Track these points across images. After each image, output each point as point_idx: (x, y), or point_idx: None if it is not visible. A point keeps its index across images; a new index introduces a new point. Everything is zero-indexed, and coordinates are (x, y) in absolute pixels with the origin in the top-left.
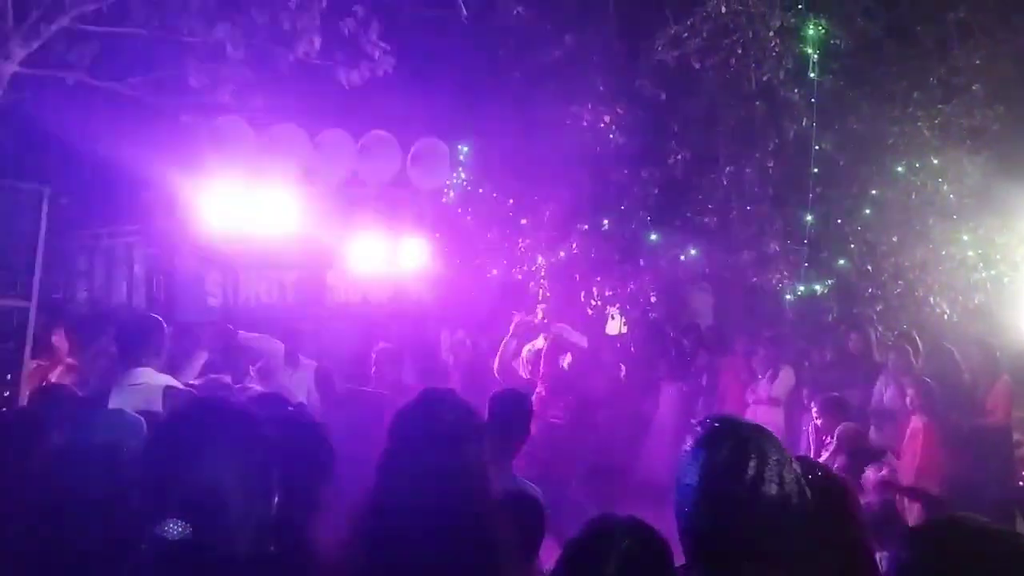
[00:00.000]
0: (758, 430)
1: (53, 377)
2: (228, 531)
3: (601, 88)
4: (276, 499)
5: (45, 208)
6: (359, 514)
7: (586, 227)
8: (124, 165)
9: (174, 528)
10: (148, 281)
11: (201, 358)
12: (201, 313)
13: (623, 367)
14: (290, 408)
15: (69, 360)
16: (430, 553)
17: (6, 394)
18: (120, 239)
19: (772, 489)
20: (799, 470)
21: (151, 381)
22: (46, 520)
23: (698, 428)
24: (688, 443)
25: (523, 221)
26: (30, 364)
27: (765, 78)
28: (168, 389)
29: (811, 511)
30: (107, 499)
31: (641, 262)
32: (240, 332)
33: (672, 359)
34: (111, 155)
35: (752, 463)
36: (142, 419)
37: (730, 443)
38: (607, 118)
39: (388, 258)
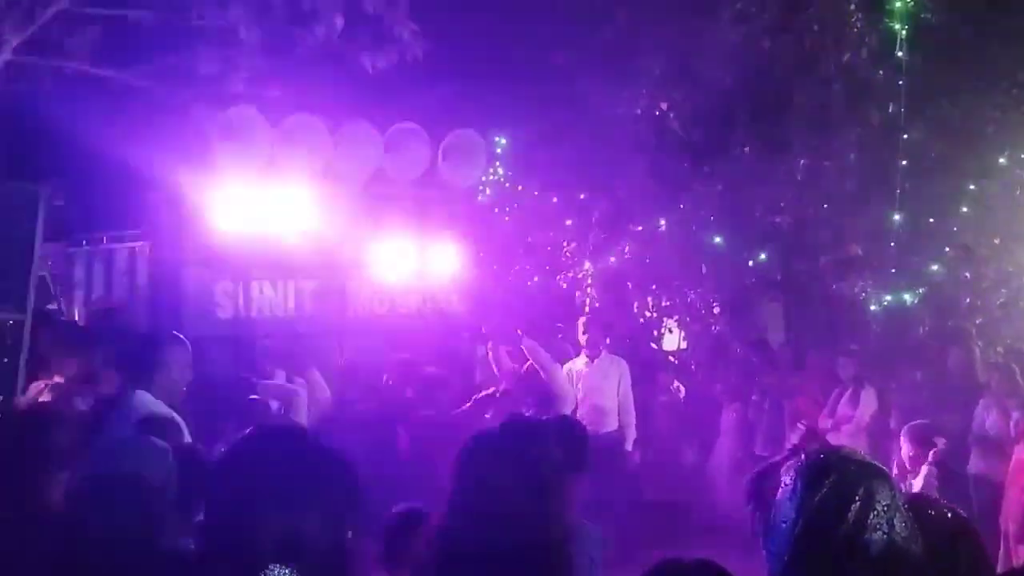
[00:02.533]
0: (868, 467)
1: (43, 396)
2: (318, 570)
3: (657, 71)
4: (351, 532)
5: (42, 210)
6: (431, 542)
7: (640, 228)
8: (128, 162)
9: (281, 574)
10: (152, 291)
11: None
12: (210, 326)
13: (683, 388)
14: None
15: (56, 379)
16: None
17: None
18: (122, 244)
19: (877, 537)
20: (913, 515)
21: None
22: (68, 557)
23: (802, 459)
24: (788, 476)
25: (568, 222)
26: (37, 383)
27: (845, 58)
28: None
29: (929, 559)
30: (132, 535)
31: (703, 268)
32: (259, 383)
33: (734, 380)
34: (113, 151)
35: (855, 506)
36: (168, 446)
37: (832, 480)
38: (664, 105)
39: (417, 264)
